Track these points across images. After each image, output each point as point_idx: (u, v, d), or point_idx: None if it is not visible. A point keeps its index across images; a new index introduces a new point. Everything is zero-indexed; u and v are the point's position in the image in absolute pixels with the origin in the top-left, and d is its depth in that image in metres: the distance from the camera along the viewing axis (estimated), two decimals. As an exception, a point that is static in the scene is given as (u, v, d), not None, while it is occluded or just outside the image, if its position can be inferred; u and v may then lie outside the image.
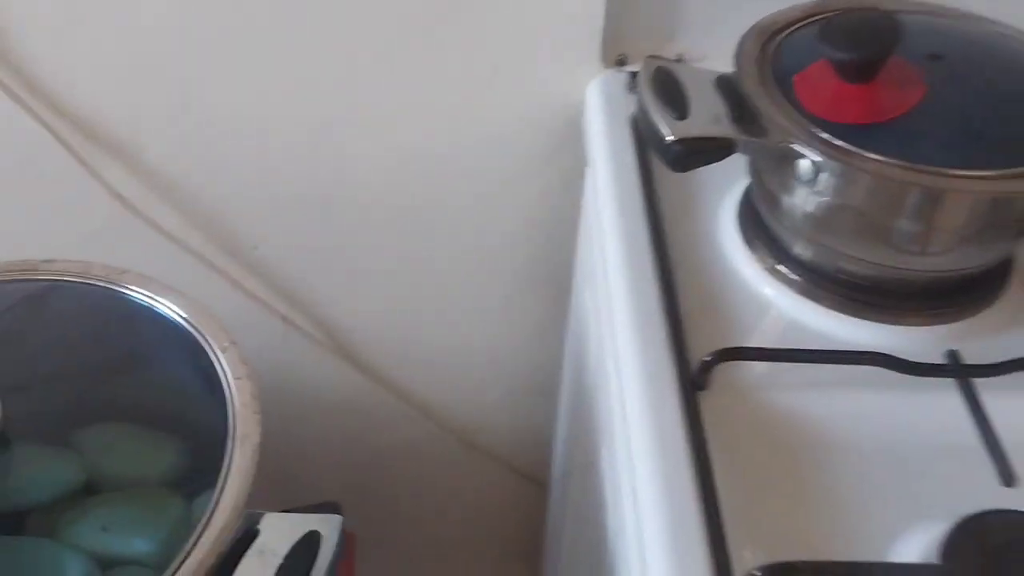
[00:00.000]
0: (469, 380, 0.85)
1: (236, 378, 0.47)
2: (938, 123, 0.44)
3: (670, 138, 0.44)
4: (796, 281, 0.50)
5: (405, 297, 0.78)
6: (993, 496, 0.39)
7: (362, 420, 0.85)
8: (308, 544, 0.41)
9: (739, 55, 0.48)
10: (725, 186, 0.56)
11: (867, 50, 0.43)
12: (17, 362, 0.50)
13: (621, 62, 0.62)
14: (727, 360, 0.45)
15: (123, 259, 0.55)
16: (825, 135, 0.44)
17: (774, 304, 0.50)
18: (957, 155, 0.43)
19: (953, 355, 0.45)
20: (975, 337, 0.48)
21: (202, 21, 0.62)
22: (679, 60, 0.59)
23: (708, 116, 0.45)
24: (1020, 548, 0.37)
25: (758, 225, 0.52)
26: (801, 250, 0.50)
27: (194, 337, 0.49)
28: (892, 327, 0.49)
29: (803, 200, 0.47)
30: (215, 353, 0.48)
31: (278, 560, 0.40)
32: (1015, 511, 0.38)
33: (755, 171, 0.50)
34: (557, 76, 0.64)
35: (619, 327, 0.47)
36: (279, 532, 0.41)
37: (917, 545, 0.38)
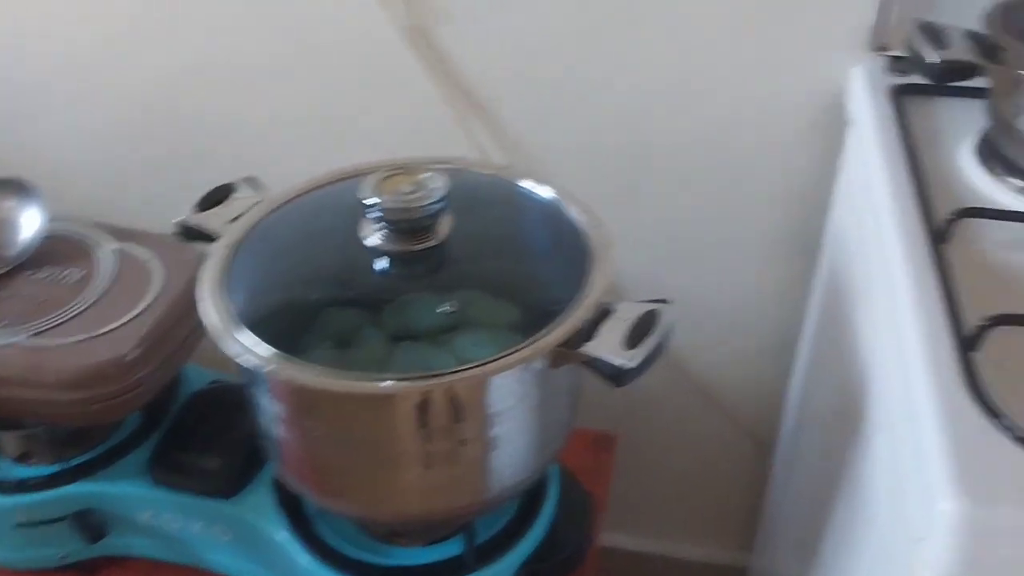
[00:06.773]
0: (711, 328, 1.00)
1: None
2: None
3: (930, 60, 0.61)
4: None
5: (672, 238, 0.96)
6: None
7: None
8: (650, 315, 0.57)
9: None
10: (963, 133, 0.70)
11: None
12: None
13: (883, 48, 0.79)
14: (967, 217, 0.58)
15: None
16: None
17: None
18: None
19: None
20: None
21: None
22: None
23: (960, 51, 0.61)
24: None
25: (993, 153, 0.66)
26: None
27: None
28: None
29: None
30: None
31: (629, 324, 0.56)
32: None
33: (993, 108, 0.64)
34: (826, 61, 0.82)
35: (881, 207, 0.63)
36: (629, 309, 0.58)
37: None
